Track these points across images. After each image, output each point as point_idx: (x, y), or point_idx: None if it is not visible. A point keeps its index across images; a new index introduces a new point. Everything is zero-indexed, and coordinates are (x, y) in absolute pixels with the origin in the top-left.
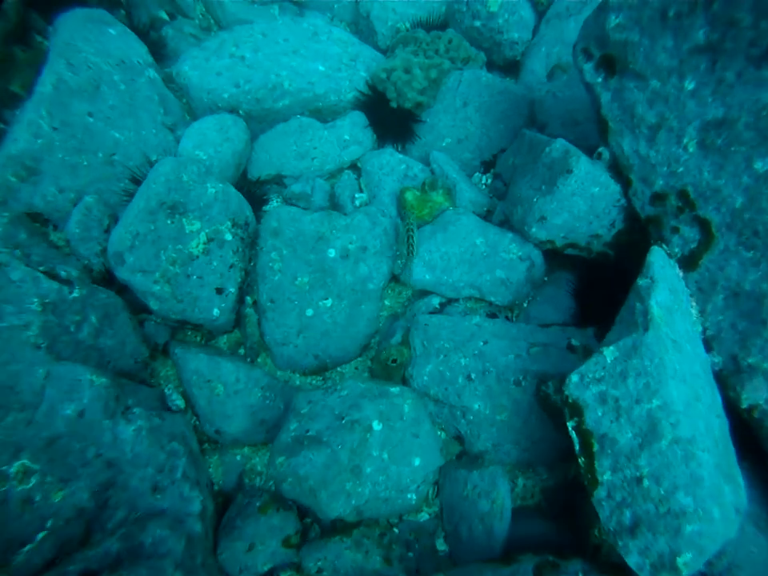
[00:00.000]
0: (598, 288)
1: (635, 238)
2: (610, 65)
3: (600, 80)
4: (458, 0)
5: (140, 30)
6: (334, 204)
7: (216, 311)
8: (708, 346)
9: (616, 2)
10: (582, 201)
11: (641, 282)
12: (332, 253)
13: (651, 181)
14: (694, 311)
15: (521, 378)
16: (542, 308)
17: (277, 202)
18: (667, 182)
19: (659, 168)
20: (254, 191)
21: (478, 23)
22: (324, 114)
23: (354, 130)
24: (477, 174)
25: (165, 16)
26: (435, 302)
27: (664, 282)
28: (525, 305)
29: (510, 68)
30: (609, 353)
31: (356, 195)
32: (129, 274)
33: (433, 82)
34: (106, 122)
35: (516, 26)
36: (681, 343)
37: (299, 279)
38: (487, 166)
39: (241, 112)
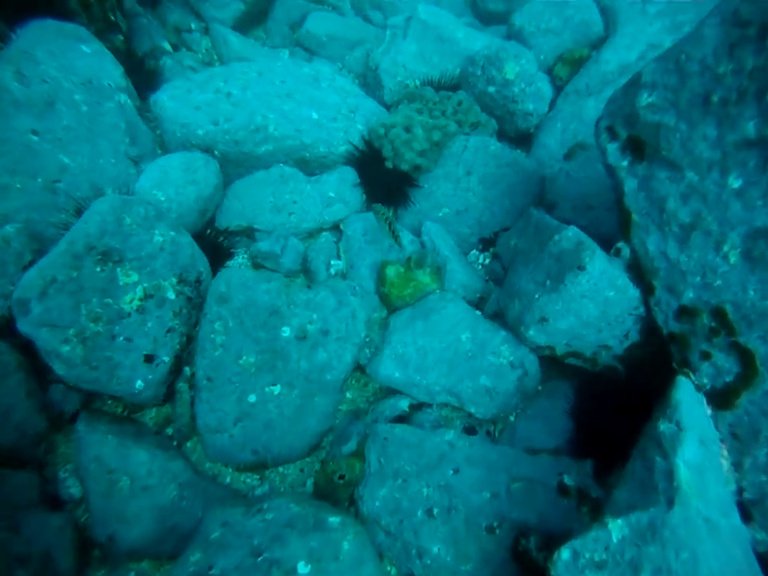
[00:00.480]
0: (602, 409)
1: (652, 356)
2: (638, 148)
3: (625, 164)
4: (473, 63)
5: (136, 57)
6: (306, 269)
7: (140, 383)
8: (746, 513)
9: (650, 79)
10: (592, 305)
11: (663, 427)
12: (287, 332)
13: (679, 291)
14: (725, 463)
15: (495, 525)
16: (531, 425)
17: (243, 257)
18: (699, 295)
19: (690, 277)
20: (221, 242)
21: (491, 89)
22: (311, 166)
23: (341, 187)
24: (474, 251)
25: (168, 47)
26: (404, 404)
27: (693, 430)
28: (511, 418)
29: (522, 140)
30: (616, 528)
31: (332, 262)
32: (32, 328)
33: (435, 145)
34: (55, 144)
35: (532, 96)
36: (715, 520)
37: (244, 358)
38: (486, 244)
39: (216, 153)
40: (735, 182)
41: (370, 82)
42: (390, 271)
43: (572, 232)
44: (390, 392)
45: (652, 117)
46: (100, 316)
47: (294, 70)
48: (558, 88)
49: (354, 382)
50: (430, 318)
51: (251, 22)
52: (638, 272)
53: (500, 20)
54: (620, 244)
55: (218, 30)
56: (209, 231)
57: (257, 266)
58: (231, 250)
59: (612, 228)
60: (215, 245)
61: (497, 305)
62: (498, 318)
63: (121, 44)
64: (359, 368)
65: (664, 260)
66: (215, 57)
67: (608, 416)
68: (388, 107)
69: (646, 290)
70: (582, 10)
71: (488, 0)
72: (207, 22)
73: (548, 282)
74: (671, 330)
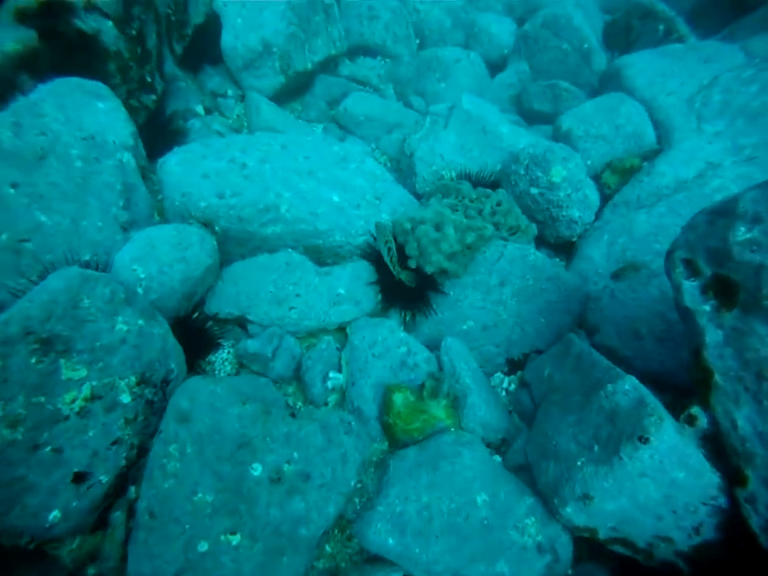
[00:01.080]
0: None
1: (734, 563)
2: (727, 292)
3: (708, 309)
4: (517, 161)
5: (163, 117)
6: (298, 377)
7: (55, 515)
8: None
9: (751, 209)
10: (653, 486)
11: None
12: (258, 470)
13: None
14: None
15: None
16: None
17: (230, 352)
18: None
19: None
20: (208, 329)
21: (534, 191)
22: (324, 256)
23: (354, 284)
24: (498, 373)
25: (200, 110)
26: None
27: None
28: None
29: (562, 248)
30: None
31: (331, 374)
32: None
33: (467, 248)
34: (33, 199)
35: (579, 204)
36: None
37: (200, 495)
38: (513, 367)
39: (217, 228)
40: None
41: (403, 167)
42: (398, 399)
43: (629, 385)
44: (378, 562)
45: (751, 257)
46: (22, 419)
47: (322, 147)
48: (606, 197)
49: (336, 532)
50: (440, 467)
51: (290, 95)
52: (719, 449)
53: (545, 120)
54: (694, 410)
55: (253, 97)
56: (196, 315)
57: (242, 367)
58: (219, 340)
59: (663, 365)
60: (201, 332)
61: (523, 455)
62: (523, 471)
63: (152, 103)
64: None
65: (761, 444)
66: (245, 124)
67: None
68: (419, 197)
69: (733, 477)
70: (634, 119)
71: (533, 99)
72: (245, 90)
73: (596, 448)
74: None
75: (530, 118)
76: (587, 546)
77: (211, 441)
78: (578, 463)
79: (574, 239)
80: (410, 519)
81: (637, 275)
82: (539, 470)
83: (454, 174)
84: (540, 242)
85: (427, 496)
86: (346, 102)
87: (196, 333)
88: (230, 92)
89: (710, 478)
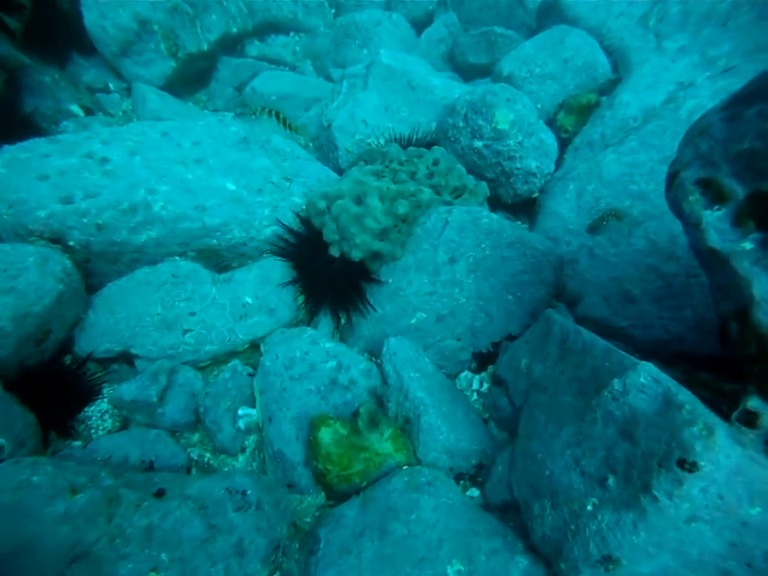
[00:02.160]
0: None
1: None
2: None
3: (749, 246)
4: (453, 113)
5: (17, 118)
6: (198, 419)
7: None
8: None
9: None
10: (711, 533)
11: None
12: None
13: None
14: None
15: None
16: None
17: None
18: None
19: None
20: (80, 376)
21: (479, 144)
22: (226, 259)
23: (263, 289)
24: (465, 372)
25: (78, 110)
26: None
27: None
28: None
29: (523, 209)
30: None
31: (241, 411)
32: None
33: (401, 221)
34: None
35: (534, 152)
36: None
37: None
38: (483, 361)
39: (72, 243)
40: None
41: (323, 143)
42: (325, 436)
43: (646, 376)
44: None
45: None
46: None
47: (216, 130)
48: (564, 142)
49: None
50: (390, 530)
51: (189, 83)
52: None
53: (484, 74)
54: (753, 402)
55: (139, 88)
56: (66, 359)
57: (126, 421)
58: (100, 385)
59: (667, 330)
60: (70, 381)
61: (507, 488)
62: (510, 512)
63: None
64: None
65: None
66: (135, 120)
67: None
68: (342, 173)
69: None
70: (583, 50)
71: (467, 52)
72: (131, 81)
73: (611, 481)
74: None
75: (467, 73)
76: None
77: (20, 565)
78: (588, 507)
79: (535, 195)
80: None
81: (618, 225)
82: (531, 514)
83: (382, 141)
84: (495, 204)
85: None
86: (253, 83)
87: (62, 384)
88: (111, 85)
89: None
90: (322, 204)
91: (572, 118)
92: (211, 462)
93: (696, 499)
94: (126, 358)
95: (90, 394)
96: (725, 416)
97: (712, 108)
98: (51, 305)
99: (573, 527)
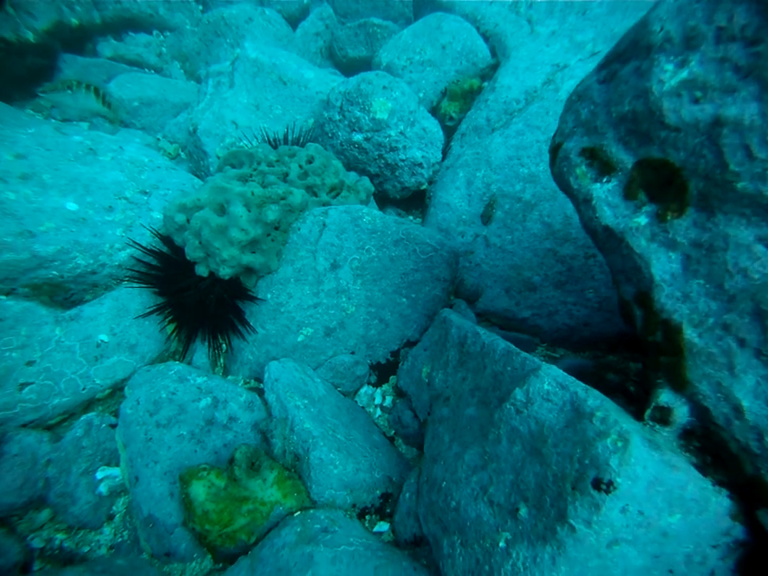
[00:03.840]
0: None
1: None
2: (666, 184)
3: (644, 221)
4: (329, 106)
5: None
6: (41, 497)
7: None
8: None
9: (676, 29)
10: (634, 550)
11: None
12: None
13: None
14: None
15: None
16: None
17: None
18: None
19: None
20: None
21: (358, 137)
22: (74, 292)
23: (121, 322)
24: (364, 388)
25: None
26: None
27: None
28: None
29: (413, 203)
30: None
31: (99, 474)
32: None
33: (273, 228)
34: None
35: (418, 141)
36: None
37: None
38: (383, 373)
39: None
40: None
41: (191, 150)
42: (198, 492)
43: (550, 382)
44: None
45: (694, 111)
46: None
47: (53, 140)
48: (450, 131)
49: None
50: None
51: (20, 83)
52: (708, 446)
53: (365, 67)
54: (664, 396)
55: None
56: None
57: None
58: None
59: (572, 316)
60: None
61: (416, 520)
62: (425, 544)
63: None
64: None
65: None
66: None
67: None
68: None
69: (748, 491)
70: (460, 35)
71: (346, 45)
72: None
73: (523, 512)
74: None
75: (347, 68)
76: None
77: None
78: (501, 543)
79: (424, 187)
80: None
81: (507, 209)
82: (442, 554)
83: (255, 143)
84: (383, 201)
85: None
86: (108, 87)
87: None
88: None
89: (718, 505)
90: (181, 218)
91: (456, 104)
92: (65, 543)
93: (616, 521)
94: None
95: None
96: (633, 400)
97: (590, 72)
98: None
99: (486, 568)
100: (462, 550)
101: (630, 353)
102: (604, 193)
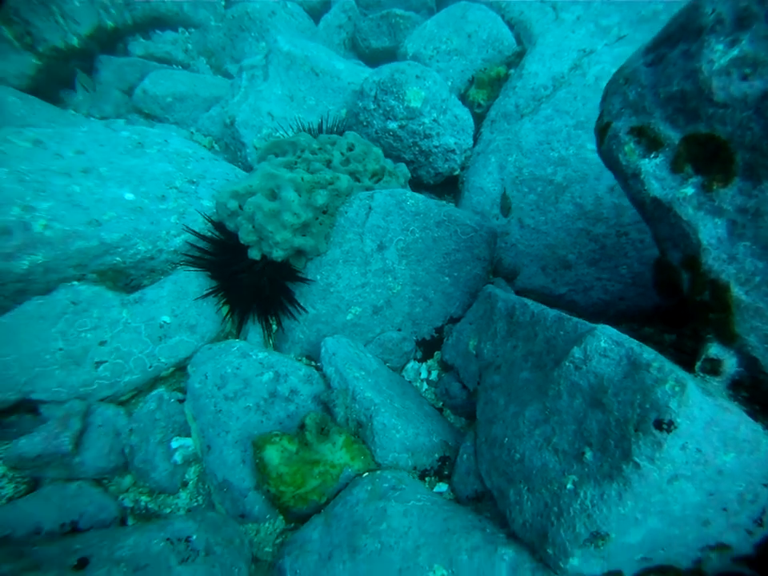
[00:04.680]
0: None
1: None
2: (713, 158)
3: (691, 191)
4: (363, 95)
5: None
6: (126, 462)
7: None
8: None
9: (728, 10)
10: (692, 488)
11: None
12: None
13: None
14: None
15: None
16: None
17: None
18: None
19: None
20: None
21: (393, 125)
22: (135, 278)
23: (181, 304)
24: (412, 363)
25: None
26: None
27: None
28: None
29: (447, 189)
30: None
31: (174, 442)
32: None
33: (322, 212)
34: None
35: (450, 128)
36: None
37: None
38: (429, 348)
39: None
40: None
41: (228, 142)
42: (272, 456)
43: (606, 340)
44: None
45: (743, 87)
46: None
47: (104, 136)
48: (479, 117)
49: None
50: (361, 547)
51: (63, 86)
52: (757, 395)
53: (389, 58)
54: (714, 349)
55: None
56: None
57: (36, 481)
58: None
59: (606, 291)
60: None
61: (476, 478)
62: (486, 500)
63: None
64: None
65: None
66: None
67: None
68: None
69: None
70: (485, 23)
71: (369, 36)
72: None
73: (588, 455)
74: None
75: (371, 59)
76: None
77: None
78: (569, 485)
79: (457, 172)
80: None
81: (540, 191)
82: (508, 502)
83: (290, 133)
84: (417, 186)
85: None
86: (143, 84)
87: None
88: None
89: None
90: (233, 204)
91: (484, 92)
92: (150, 505)
93: (677, 458)
94: (28, 407)
95: None
96: (685, 365)
97: (633, 55)
98: None
99: (555, 509)
100: (529, 495)
101: (665, 325)
102: (652, 167)
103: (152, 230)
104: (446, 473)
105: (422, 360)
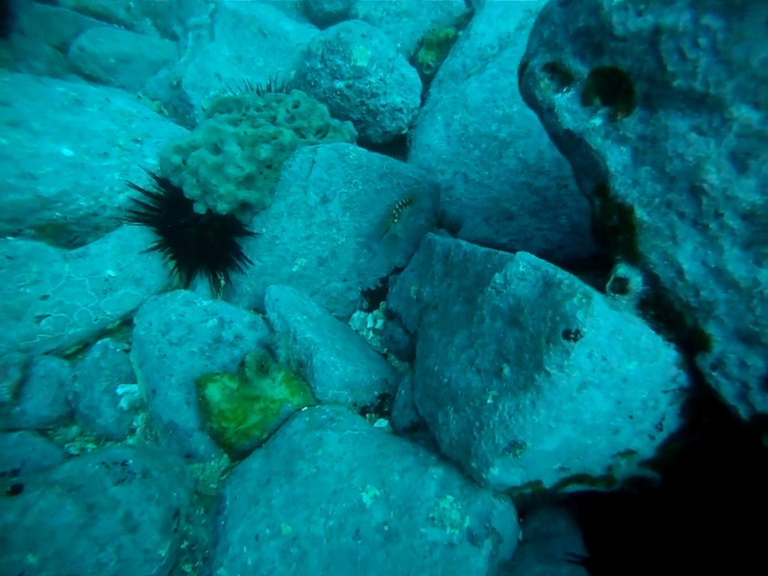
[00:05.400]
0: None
1: (704, 446)
2: (617, 89)
3: (598, 122)
4: (310, 55)
5: None
6: (71, 412)
7: None
8: None
9: None
10: (601, 396)
11: None
12: None
13: None
14: None
15: None
16: None
17: None
18: None
19: None
20: None
21: (340, 84)
22: (78, 234)
23: (126, 258)
24: (357, 313)
25: None
26: None
27: None
28: None
29: (394, 148)
30: None
31: (120, 389)
32: None
33: (266, 166)
34: None
35: (397, 87)
36: None
37: None
38: (373, 299)
39: None
40: None
41: (176, 105)
42: (213, 393)
43: (524, 264)
44: None
45: (638, 22)
46: None
47: (35, 90)
48: (428, 79)
49: None
50: (297, 472)
51: None
52: (663, 312)
53: (342, 21)
54: (622, 269)
55: None
56: None
57: None
58: None
59: (547, 240)
60: None
61: (412, 410)
62: (422, 430)
63: None
64: None
65: (720, 284)
66: None
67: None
68: None
69: (690, 342)
70: None
71: (323, 0)
72: None
73: (506, 370)
74: (760, 412)
75: (324, 22)
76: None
77: None
78: (488, 400)
79: (404, 131)
80: (273, 569)
81: (484, 146)
82: (437, 425)
83: (238, 93)
84: (366, 146)
85: (288, 523)
86: (78, 41)
87: None
88: None
89: (666, 355)
90: (177, 159)
91: (433, 53)
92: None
93: (584, 365)
94: None
95: None
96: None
97: None
98: None
99: (477, 424)
100: (455, 415)
101: (602, 272)
102: (564, 101)
103: (94, 185)
104: (386, 410)
105: (368, 310)
